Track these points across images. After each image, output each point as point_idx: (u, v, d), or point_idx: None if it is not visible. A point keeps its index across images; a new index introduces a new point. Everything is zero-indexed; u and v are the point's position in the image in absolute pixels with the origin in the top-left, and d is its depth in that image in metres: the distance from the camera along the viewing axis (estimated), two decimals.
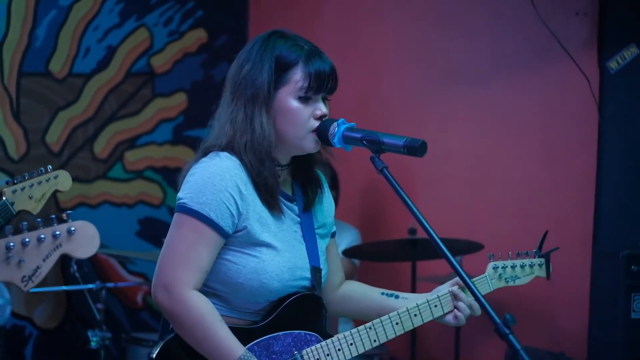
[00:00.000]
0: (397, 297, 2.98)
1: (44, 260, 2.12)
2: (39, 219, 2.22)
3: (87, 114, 5.90)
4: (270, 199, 2.78)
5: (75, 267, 5.08)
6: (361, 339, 2.85)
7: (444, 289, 2.95)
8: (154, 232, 5.92)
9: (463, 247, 4.83)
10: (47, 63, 5.74)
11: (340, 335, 2.85)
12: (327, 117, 2.80)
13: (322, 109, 2.79)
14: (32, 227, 2.23)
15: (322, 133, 2.77)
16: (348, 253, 5.08)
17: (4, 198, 3.73)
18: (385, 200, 5.68)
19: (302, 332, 2.85)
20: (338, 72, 2.84)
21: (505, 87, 5.27)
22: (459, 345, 5.11)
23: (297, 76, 2.77)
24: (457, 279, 2.91)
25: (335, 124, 2.75)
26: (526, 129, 5.20)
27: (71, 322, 5.77)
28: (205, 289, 2.77)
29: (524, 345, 2.34)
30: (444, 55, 5.52)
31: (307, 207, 2.93)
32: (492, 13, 5.32)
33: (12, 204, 3.74)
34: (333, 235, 3.09)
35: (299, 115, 2.77)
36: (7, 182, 3.78)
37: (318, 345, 2.83)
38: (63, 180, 3.92)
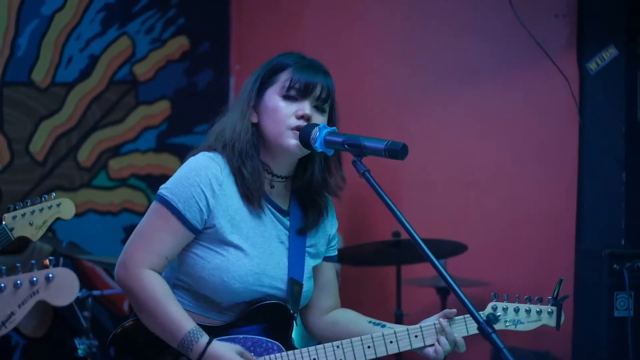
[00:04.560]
0: (383, 326, 2.94)
1: (19, 306, 2.08)
2: (18, 264, 2.20)
3: (71, 122, 5.90)
4: (249, 193, 2.83)
5: None
6: (326, 356, 2.80)
7: (430, 321, 2.86)
8: None
9: (447, 248, 4.84)
10: (30, 72, 5.74)
11: (304, 349, 2.81)
12: (310, 121, 2.84)
13: (304, 109, 2.83)
14: (11, 270, 2.20)
15: (304, 137, 2.79)
16: None
17: (3, 223, 3.70)
18: (368, 205, 5.69)
19: (264, 339, 2.85)
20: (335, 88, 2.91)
21: (487, 89, 5.29)
22: None
23: (284, 77, 2.86)
24: (445, 311, 2.86)
25: (316, 128, 2.78)
26: (508, 131, 5.23)
27: (58, 330, 5.76)
28: (175, 282, 2.85)
29: (509, 346, 2.35)
30: (425, 57, 5.54)
31: (303, 231, 2.96)
32: (472, 16, 5.34)
33: (12, 229, 3.70)
34: (330, 259, 3.10)
35: (279, 111, 2.84)
36: (9, 208, 3.76)
37: (278, 355, 2.83)
38: (66, 209, 3.88)
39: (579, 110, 4.86)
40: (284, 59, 2.91)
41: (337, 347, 2.81)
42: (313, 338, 3.12)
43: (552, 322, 2.89)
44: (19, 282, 2.05)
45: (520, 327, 2.88)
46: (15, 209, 3.73)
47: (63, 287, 2.10)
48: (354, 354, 2.81)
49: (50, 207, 3.81)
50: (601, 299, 4.36)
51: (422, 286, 5.19)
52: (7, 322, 2.06)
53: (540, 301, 2.90)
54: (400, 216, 2.55)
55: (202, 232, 2.81)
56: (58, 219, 3.87)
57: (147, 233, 2.80)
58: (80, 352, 4.76)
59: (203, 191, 2.78)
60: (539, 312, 2.88)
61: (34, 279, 2.07)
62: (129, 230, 6.05)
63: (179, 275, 2.85)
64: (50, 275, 2.08)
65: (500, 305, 2.86)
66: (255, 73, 2.94)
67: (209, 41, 6.43)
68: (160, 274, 2.79)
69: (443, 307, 5.03)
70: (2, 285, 2.03)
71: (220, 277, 2.78)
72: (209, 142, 2.91)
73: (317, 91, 2.86)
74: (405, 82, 5.64)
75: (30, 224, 3.76)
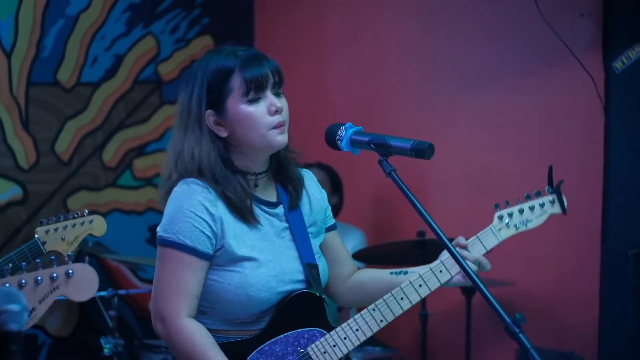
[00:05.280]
0: (406, 273, 2.97)
1: (40, 302, 2.08)
2: (38, 260, 2.21)
3: (96, 122, 5.93)
4: (239, 212, 2.80)
5: None
6: (366, 323, 2.84)
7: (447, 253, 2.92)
8: None
9: None
10: (55, 72, 5.77)
11: (344, 324, 2.84)
12: (283, 110, 2.82)
13: (275, 103, 2.80)
14: (31, 268, 2.22)
15: (329, 137, 2.79)
16: (353, 257, 5.07)
17: (36, 236, 3.75)
18: (392, 204, 5.69)
19: (304, 329, 2.85)
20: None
21: (511, 89, 5.29)
22: (470, 346, 5.12)
23: (237, 82, 2.80)
24: (457, 239, 2.92)
25: (342, 127, 2.77)
26: (532, 130, 5.22)
27: (83, 329, 5.80)
28: (201, 309, 2.81)
29: (534, 346, 2.35)
30: (448, 58, 5.54)
31: (292, 206, 2.94)
32: (496, 15, 5.34)
33: (44, 243, 3.75)
34: (331, 228, 3.09)
35: (252, 117, 2.79)
36: (41, 222, 3.80)
37: (322, 339, 2.84)
38: (98, 226, 3.92)
39: (605, 109, 4.85)
40: (224, 63, 2.82)
41: (374, 309, 2.85)
42: (343, 306, 3.13)
43: (557, 209, 2.99)
44: (39, 278, 2.07)
45: (530, 225, 2.97)
46: (48, 223, 3.77)
47: (83, 282, 2.11)
48: (391, 310, 2.86)
49: (82, 224, 3.85)
50: (627, 298, 4.34)
51: (447, 286, 5.17)
52: (28, 319, 2.06)
53: (539, 195, 2.99)
54: (427, 216, 2.55)
55: (213, 257, 2.78)
56: (90, 234, 3.90)
57: (170, 280, 2.75)
58: (106, 351, 4.77)
59: (203, 218, 2.74)
60: (542, 205, 2.99)
61: (54, 275, 2.08)
62: (153, 229, 6.03)
63: (200, 302, 2.81)
64: (70, 271, 2.09)
65: (505, 212, 2.98)
66: (194, 88, 2.83)
67: (233, 41, 6.38)
68: (194, 315, 2.77)
69: (468, 307, 5.03)
70: (23, 281, 2.05)
71: (246, 293, 2.76)
72: (178, 172, 2.82)
73: (271, 79, 2.83)
74: (426, 83, 5.64)
75: (62, 239, 3.80)
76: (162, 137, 6.18)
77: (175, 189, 2.81)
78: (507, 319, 2.38)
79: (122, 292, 4.98)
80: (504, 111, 5.32)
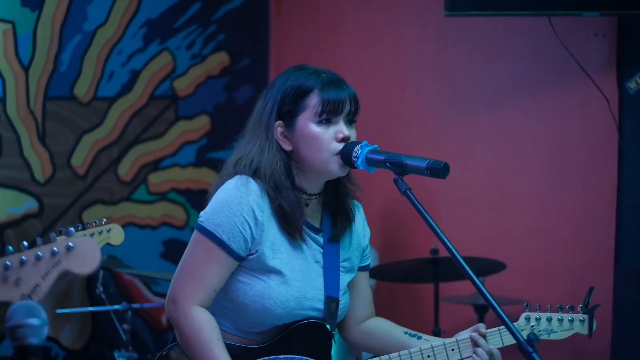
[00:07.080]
0: (419, 337, 2.97)
1: (43, 277, 2.09)
2: (38, 237, 2.23)
3: (112, 137, 5.96)
4: (289, 227, 2.82)
5: (101, 289, 5.13)
6: None
7: (465, 334, 2.90)
8: (177, 253, 5.84)
9: (485, 266, 4.84)
10: (72, 87, 5.81)
11: None
12: (350, 140, 2.84)
13: (343, 131, 2.82)
14: (32, 246, 2.23)
15: (345, 155, 2.81)
16: None
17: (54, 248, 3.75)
18: (405, 222, 5.70)
19: (304, 358, 2.85)
20: (359, 97, 2.89)
21: (525, 108, 5.29)
22: None
23: (314, 102, 2.82)
24: (478, 326, 2.89)
25: (358, 146, 2.79)
26: (547, 149, 5.22)
27: (97, 342, 5.81)
28: (217, 307, 2.83)
29: None
30: (464, 76, 5.55)
31: (333, 238, 2.95)
32: (512, 34, 5.35)
33: None
34: (364, 268, 3.09)
35: (319, 139, 2.81)
36: (60, 231, 3.81)
37: None
38: (115, 235, 3.91)
39: (618, 129, 4.85)
40: (304, 81, 2.85)
41: None
42: (349, 344, 3.16)
43: (584, 330, 2.94)
44: (40, 253, 2.08)
45: (553, 336, 2.92)
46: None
47: (84, 255, 2.11)
48: None
49: (100, 233, 3.85)
50: None
51: (460, 304, 5.19)
52: (33, 294, 2.08)
53: (572, 309, 2.95)
54: (442, 235, 2.57)
55: (245, 259, 2.80)
56: (107, 244, 3.91)
57: (194, 267, 2.79)
58: None
59: (247, 220, 2.76)
60: (571, 321, 2.93)
61: (55, 249, 2.09)
62: (168, 244, 6.11)
63: (220, 300, 2.84)
64: (71, 245, 2.09)
65: (533, 315, 2.93)
66: (274, 98, 2.87)
67: (249, 57, 6.48)
68: (208, 307, 2.79)
69: None
70: (24, 258, 2.06)
71: (262, 303, 2.79)
72: (235, 171, 2.86)
73: (347, 106, 2.84)
74: (442, 102, 5.64)
75: None
76: (177, 152, 6.21)
77: (231, 180, 2.83)
78: (521, 338, 2.40)
79: (136, 305, 5.00)
80: (518, 129, 5.33)
